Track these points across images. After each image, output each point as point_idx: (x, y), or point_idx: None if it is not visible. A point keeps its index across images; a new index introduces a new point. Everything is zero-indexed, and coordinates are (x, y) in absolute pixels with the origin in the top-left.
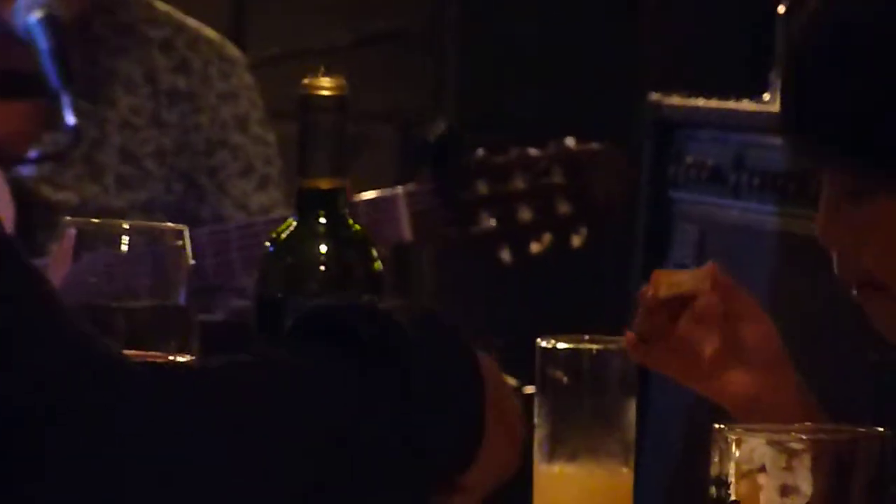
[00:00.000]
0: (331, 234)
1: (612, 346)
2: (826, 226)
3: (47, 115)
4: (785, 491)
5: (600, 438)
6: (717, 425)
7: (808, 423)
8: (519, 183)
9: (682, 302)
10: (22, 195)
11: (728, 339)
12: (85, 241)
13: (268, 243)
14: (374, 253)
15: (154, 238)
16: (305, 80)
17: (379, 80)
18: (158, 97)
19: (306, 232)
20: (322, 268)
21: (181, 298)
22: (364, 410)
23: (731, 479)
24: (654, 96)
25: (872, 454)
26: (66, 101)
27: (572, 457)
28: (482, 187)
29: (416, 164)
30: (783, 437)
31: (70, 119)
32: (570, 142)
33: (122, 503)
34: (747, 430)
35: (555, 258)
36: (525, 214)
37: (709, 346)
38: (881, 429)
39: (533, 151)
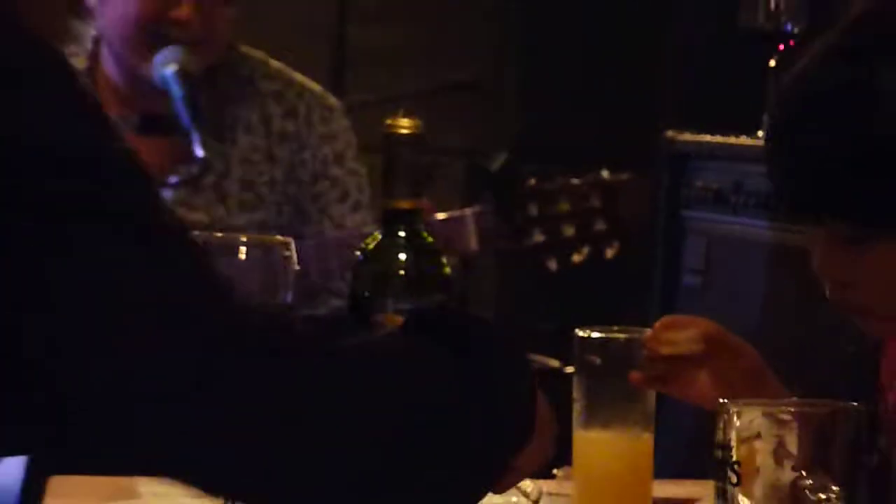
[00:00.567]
0: (409, 246)
1: (636, 336)
2: (824, 265)
3: (181, 150)
4: (777, 454)
5: (626, 410)
6: (721, 400)
7: (795, 398)
8: (563, 206)
9: (677, 357)
10: None
11: (720, 376)
12: (211, 251)
13: (358, 253)
14: (445, 261)
15: (266, 249)
16: (388, 121)
17: (452, 120)
18: (271, 138)
19: (389, 244)
20: (402, 272)
21: (287, 298)
22: (465, 397)
23: (733, 443)
24: (670, 133)
25: (849, 424)
26: (195, 138)
27: (604, 424)
28: (533, 209)
29: (481, 189)
30: (775, 409)
31: (199, 152)
32: (604, 173)
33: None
34: (746, 403)
35: (592, 266)
36: (568, 231)
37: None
38: (856, 403)
39: (574, 180)
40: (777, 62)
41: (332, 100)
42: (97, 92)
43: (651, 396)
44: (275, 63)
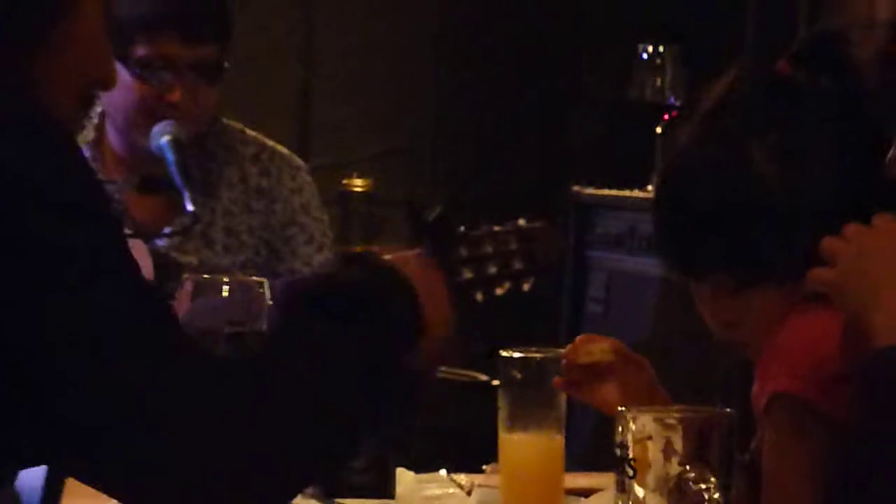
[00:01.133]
0: None
1: (549, 355)
2: (710, 311)
3: (175, 205)
4: (665, 451)
5: (542, 416)
6: (620, 408)
7: (680, 406)
8: (487, 248)
9: (591, 365)
10: (157, 258)
11: (623, 385)
12: (199, 289)
13: None
14: None
15: (245, 287)
16: (344, 181)
17: (396, 179)
18: (249, 192)
19: None
20: None
21: (262, 326)
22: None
23: (630, 443)
24: (576, 188)
25: (723, 427)
26: (186, 196)
27: (524, 428)
28: (462, 251)
29: (420, 236)
30: (664, 415)
31: (189, 207)
32: (521, 221)
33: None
34: (640, 411)
35: (512, 298)
36: (491, 269)
37: (610, 395)
38: (729, 410)
39: (497, 227)
40: (663, 129)
41: (298, 161)
42: (103, 159)
43: (562, 405)
44: (250, 132)
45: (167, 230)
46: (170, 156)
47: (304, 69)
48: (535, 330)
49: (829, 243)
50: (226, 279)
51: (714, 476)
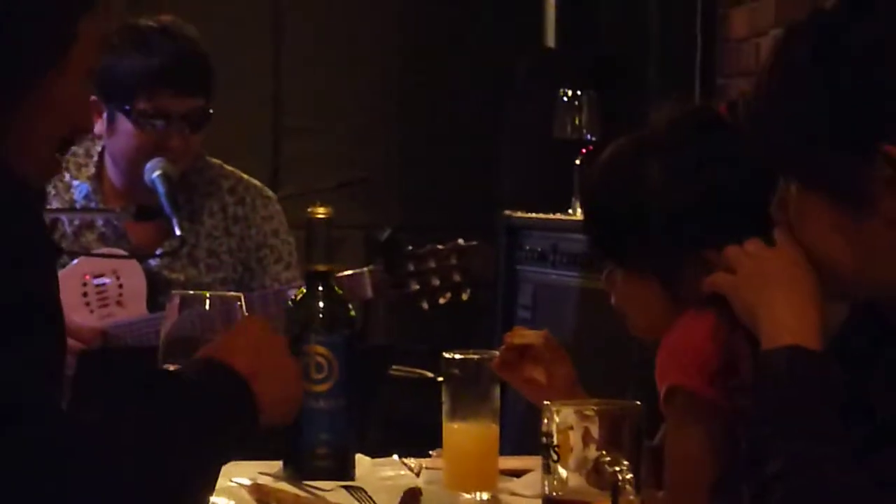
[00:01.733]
0: (325, 297)
1: (486, 356)
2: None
3: (165, 230)
4: (584, 439)
5: (479, 408)
6: (546, 402)
7: (596, 399)
8: (431, 264)
9: (525, 347)
10: (150, 276)
11: (549, 374)
12: (185, 303)
13: (290, 302)
14: (351, 306)
15: (224, 301)
16: (309, 208)
17: (353, 205)
18: (227, 219)
19: (310, 296)
20: (320, 315)
21: None
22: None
23: (554, 432)
24: (506, 211)
25: (634, 418)
26: (175, 221)
27: (463, 418)
28: (410, 267)
29: (374, 254)
30: (583, 407)
31: (177, 232)
32: (460, 240)
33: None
34: (563, 404)
35: (452, 306)
36: (435, 281)
37: (538, 376)
38: (638, 402)
39: (439, 246)
40: (581, 161)
41: (269, 192)
42: (103, 190)
43: (497, 398)
44: (228, 167)
45: (159, 252)
46: (160, 188)
47: (274, 112)
48: (473, 334)
49: (732, 252)
50: (207, 294)
51: (627, 460)
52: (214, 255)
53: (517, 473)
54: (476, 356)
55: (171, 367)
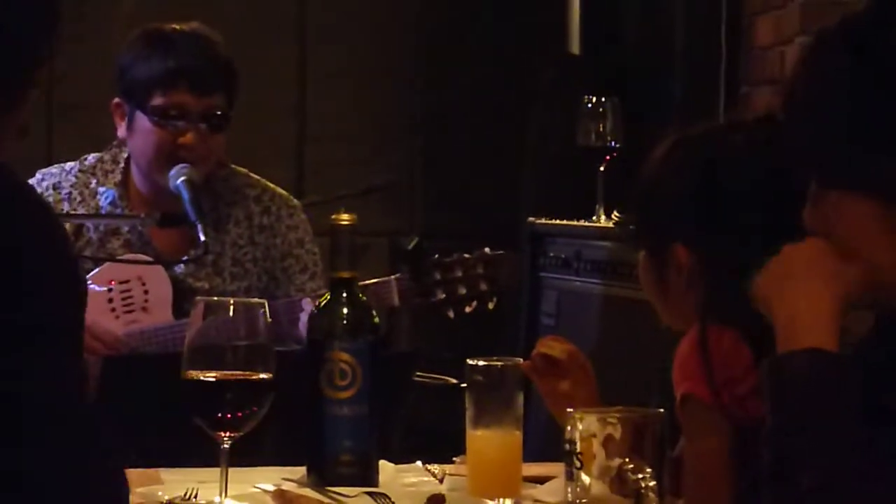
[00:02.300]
0: (348, 303)
1: (509, 363)
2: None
3: (190, 237)
4: (607, 447)
5: (502, 415)
6: (569, 410)
7: (620, 407)
8: (458, 272)
9: (553, 358)
10: (176, 283)
11: (574, 387)
12: (209, 309)
13: (314, 308)
14: (374, 313)
15: (248, 307)
16: (333, 215)
17: (377, 213)
18: (252, 229)
19: (335, 302)
20: (344, 322)
21: (261, 341)
22: None
23: (577, 439)
24: (531, 219)
25: (657, 425)
26: (199, 228)
27: (487, 425)
28: (436, 275)
29: (400, 262)
30: (606, 415)
31: (202, 238)
32: (486, 249)
33: None
34: (585, 412)
35: (478, 314)
36: (461, 290)
37: (563, 387)
38: (662, 410)
39: (465, 255)
40: (604, 168)
41: (295, 201)
42: (129, 196)
43: (520, 405)
44: (254, 176)
45: (184, 259)
46: (185, 194)
47: (298, 120)
48: (497, 341)
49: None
50: (231, 301)
51: (650, 467)
52: (239, 265)
53: (540, 480)
54: (500, 363)
55: (195, 374)
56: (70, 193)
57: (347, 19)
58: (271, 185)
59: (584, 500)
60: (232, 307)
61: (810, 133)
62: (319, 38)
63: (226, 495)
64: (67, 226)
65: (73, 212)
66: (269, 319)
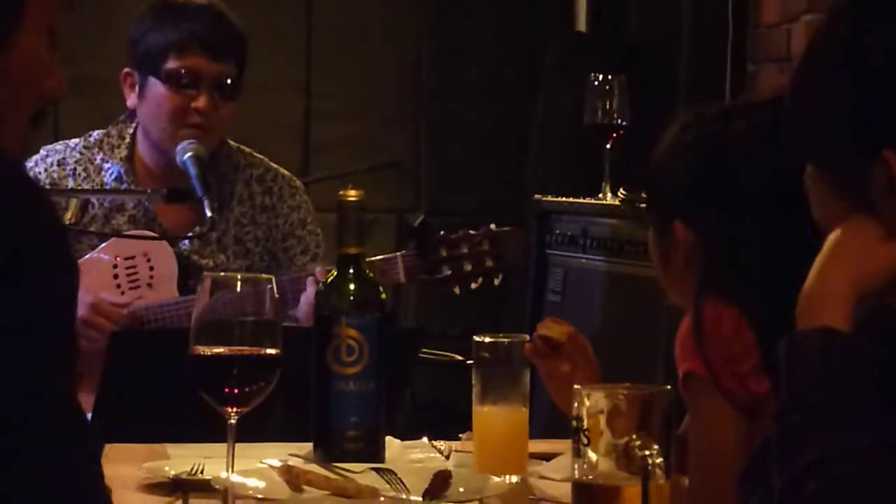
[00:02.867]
0: (356, 279)
1: (516, 340)
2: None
3: (196, 214)
4: (614, 424)
5: (509, 391)
6: (576, 386)
7: (626, 383)
8: (464, 249)
9: (552, 341)
10: (182, 260)
11: (572, 365)
12: (216, 285)
13: (320, 285)
14: (381, 289)
15: (255, 283)
16: (341, 192)
17: (384, 189)
18: (255, 208)
19: (342, 278)
20: (351, 298)
21: (269, 317)
22: None
23: (584, 416)
24: (537, 196)
25: (663, 402)
26: (206, 203)
27: (494, 401)
28: (443, 252)
29: (407, 239)
30: (613, 391)
31: (208, 213)
32: (492, 226)
33: None
34: (593, 388)
35: (484, 290)
36: (467, 267)
37: (563, 369)
38: (668, 387)
39: (472, 231)
40: (611, 146)
41: (297, 182)
42: (135, 171)
43: (526, 382)
44: (257, 155)
45: (189, 234)
46: (192, 170)
47: (305, 97)
48: (503, 318)
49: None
50: (239, 277)
51: (656, 444)
52: (241, 243)
53: (546, 457)
54: (506, 339)
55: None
56: (75, 170)
57: None
58: (274, 165)
59: (590, 477)
60: (239, 283)
61: (797, 115)
62: (326, 15)
63: (232, 471)
64: (73, 201)
65: (77, 188)
66: (278, 295)
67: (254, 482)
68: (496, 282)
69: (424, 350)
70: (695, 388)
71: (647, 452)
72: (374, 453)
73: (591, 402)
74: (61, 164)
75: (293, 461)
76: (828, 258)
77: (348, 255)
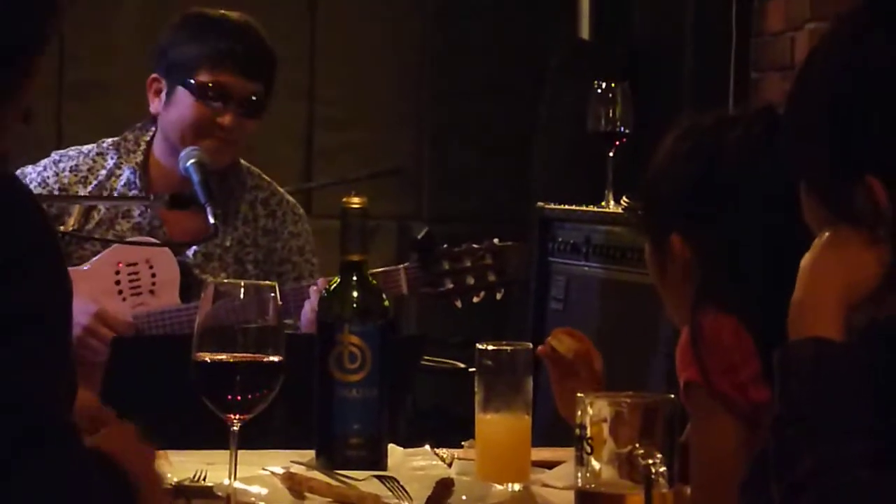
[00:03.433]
0: (359, 286)
1: (519, 348)
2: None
3: (200, 223)
4: (617, 431)
5: (512, 399)
6: (579, 394)
7: (630, 392)
8: (467, 263)
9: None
10: (184, 270)
11: (576, 381)
12: (219, 292)
13: (323, 292)
14: (384, 296)
15: (258, 290)
16: (344, 199)
17: (386, 196)
18: (258, 230)
19: (345, 285)
20: (354, 305)
21: (271, 322)
22: None
23: (587, 424)
24: (539, 204)
25: (666, 410)
26: (209, 210)
27: (496, 409)
28: (445, 265)
29: (410, 251)
30: (616, 400)
31: (211, 220)
32: (495, 240)
33: None
34: (596, 396)
35: (486, 305)
36: (470, 280)
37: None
38: (671, 395)
39: (475, 245)
40: (614, 154)
41: (301, 210)
42: (148, 178)
43: (529, 390)
44: (266, 177)
45: (192, 242)
46: (195, 176)
47: (308, 102)
48: (506, 325)
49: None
50: (242, 284)
51: (660, 452)
52: (240, 263)
53: (549, 465)
54: (509, 347)
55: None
56: (87, 177)
57: (357, 4)
58: (280, 190)
59: (593, 485)
60: (242, 290)
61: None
62: (329, 21)
63: (235, 477)
64: (77, 207)
65: (88, 193)
66: (280, 303)
67: (256, 489)
68: (498, 296)
69: (426, 357)
70: (696, 397)
71: (650, 461)
72: (376, 461)
73: (594, 411)
74: (73, 170)
75: (295, 468)
76: (815, 266)
77: (351, 262)
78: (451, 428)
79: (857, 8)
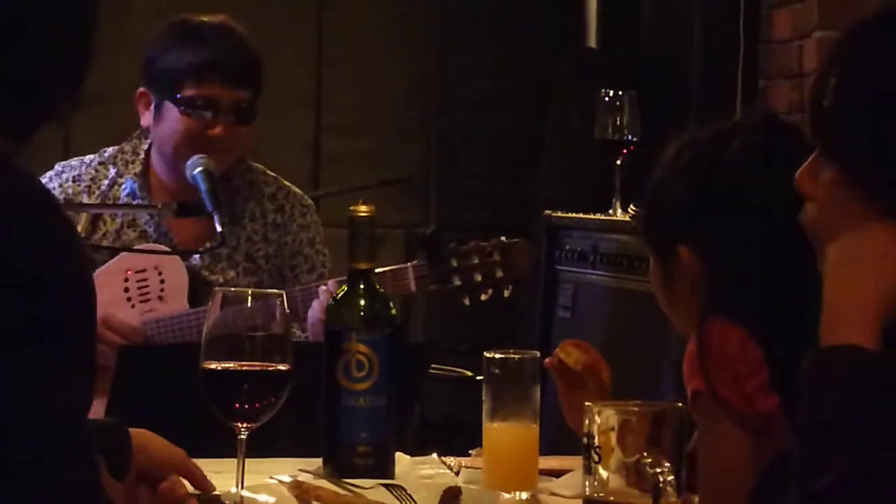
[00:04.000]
0: (366, 295)
1: (527, 356)
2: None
3: (207, 229)
4: (626, 441)
5: (519, 408)
6: (587, 403)
7: (637, 401)
8: (474, 260)
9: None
10: (192, 275)
11: (583, 393)
12: (227, 300)
13: (331, 300)
14: (391, 304)
15: (266, 298)
16: (351, 206)
17: (394, 204)
18: (267, 226)
19: (352, 293)
20: (361, 313)
21: (280, 331)
22: None
23: (595, 433)
24: (547, 211)
25: (674, 419)
26: (216, 218)
27: (504, 418)
28: (453, 262)
29: (417, 250)
30: (624, 408)
31: (218, 228)
32: (503, 238)
33: None
34: (604, 405)
35: (494, 303)
36: (477, 277)
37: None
38: (679, 404)
39: (483, 243)
40: (621, 162)
41: (309, 201)
42: (149, 187)
43: (537, 398)
44: (270, 173)
45: (200, 249)
46: (202, 184)
47: (316, 112)
48: (513, 333)
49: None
50: (250, 291)
51: (668, 461)
52: (251, 260)
53: (557, 473)
54: (517, 356)
55: (212, 365)
56: (90, 186)
57: (366, 9)
58: (286, 183)
59: (601, 494)
60: (250, 298)
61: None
62: (337, 29)
63: (242, 486)
64: (84, 216)
65: (91, 202)
66: (288, 310)
67: (263, 497)
68: (506, 293)
69: (434, 366)
70: (703, 407)
71: (658, 470)
72: (383, 469)
73: (602, 419)
74: (76, 179)
75: (303, 476)
76: (847, 267)
77: (359, 270)
78: (458, 436)
79: None
